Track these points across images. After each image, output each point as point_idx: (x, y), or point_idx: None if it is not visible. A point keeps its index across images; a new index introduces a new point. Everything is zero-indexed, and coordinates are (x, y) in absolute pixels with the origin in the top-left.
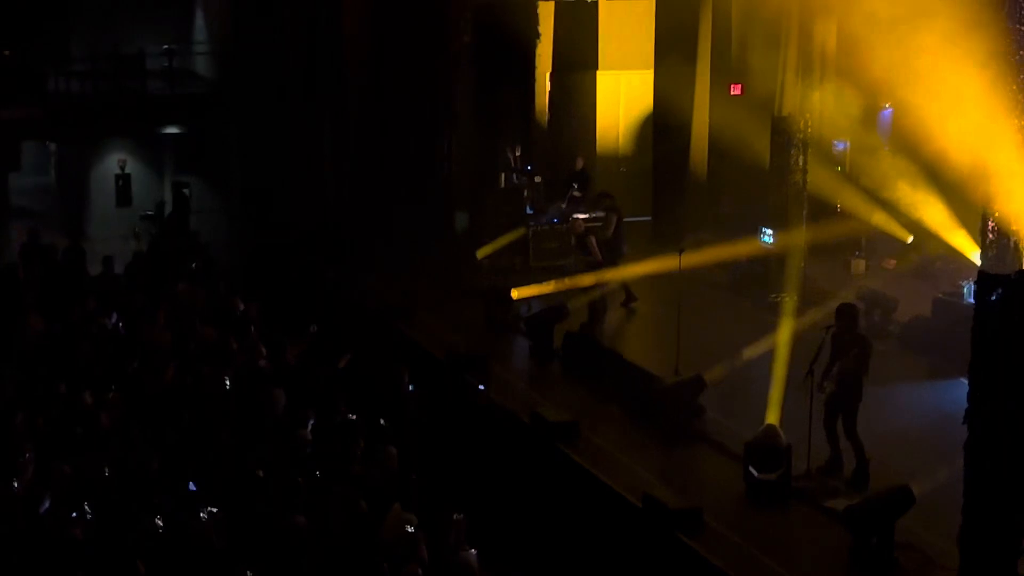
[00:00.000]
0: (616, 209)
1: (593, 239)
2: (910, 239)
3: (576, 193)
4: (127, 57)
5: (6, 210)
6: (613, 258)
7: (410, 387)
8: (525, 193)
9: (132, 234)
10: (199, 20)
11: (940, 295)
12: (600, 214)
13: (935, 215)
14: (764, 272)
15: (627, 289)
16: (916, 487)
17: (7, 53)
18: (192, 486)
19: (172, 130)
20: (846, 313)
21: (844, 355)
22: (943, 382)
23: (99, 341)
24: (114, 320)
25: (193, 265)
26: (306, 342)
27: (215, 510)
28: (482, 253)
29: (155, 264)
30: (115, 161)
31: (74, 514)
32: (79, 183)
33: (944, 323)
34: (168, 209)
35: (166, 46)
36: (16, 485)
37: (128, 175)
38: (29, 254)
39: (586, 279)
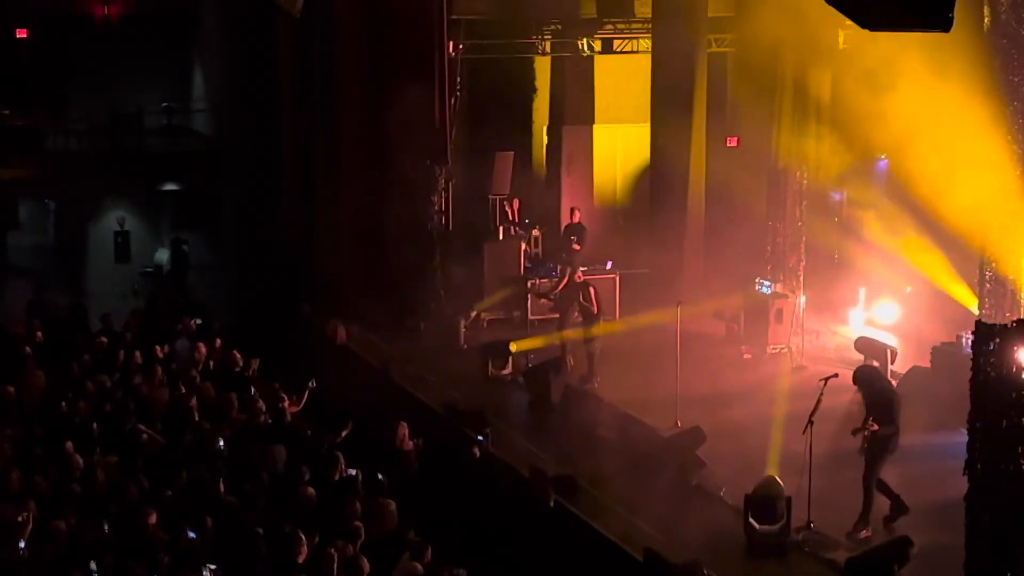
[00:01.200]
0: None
1: (592, 291)
2: (908, 288)
3: (575, 246)
4: (125, 115)
5: (5, 269)
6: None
7: (410, 442)
8: (523, 246)
9: (131, 291)
10: (197, 78)
11: (938, 345)
12: (601, 266)
13: (932, 265)
14: (763, 323)
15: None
16: (916, 539)
17: (6, 112)
18: (191, 533)
19: (170, 187)
20: (861, 377)
21: (878, 409)
22: (942, 432)
23: (96, 398)
24: (112, 378)
25: (192, 321)
26: (305, 397)
27: (215, 567)
28: (480, 307)
29: (153, 321)
30: (114, 218)
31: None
32: (78, 241)
33: (942, 373)
34: (166, 266)
35: (164, 104)
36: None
37: (127, 232)
38: (33, 311)
39: (584, 331)
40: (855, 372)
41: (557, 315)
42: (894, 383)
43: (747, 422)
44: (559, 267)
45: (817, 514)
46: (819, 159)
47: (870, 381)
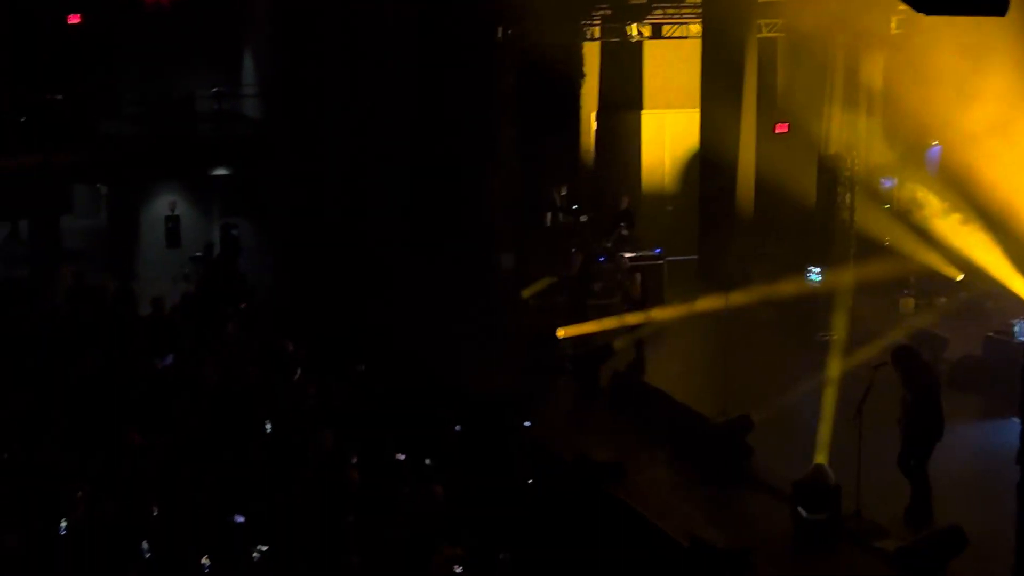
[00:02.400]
0: None
1: (638, 277)
2: (960, 277)
3: (624, 232)
4: (177, 100)
5: (58, 252)
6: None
7: (456, 427)
8: (571, 232)
9: (181, 275)
10: (247, 63)
11: (991, 334)
12: (648, 252)
13: (985, 253)
14: (811, 311)
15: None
16: (968, 529)
17: (59, 97)
18: (239, 518)
19: (221, 172)
20: (899, 366)
21: (917, 394)
22: (994, 422)
23: (148, 382)
24: (163, 361)
25: (241, 306)
26: (353, 382)
27: (265, 548)
28: (527, 293)
29: (204, 305)
30: (165, 203)
31: (128, 554)
32: (130, 225)
33: (995, 362)
34: (217, 250)
35: (215, 89)
36: (66, 525)
37: (177, 217)
38: (76, 296)
39: (632, 318)
40: (892, 352)
41: (605, 301)
42: (944, 371)
43: (796, 409)
44: (607, 254)
45: (866, 502)
46: (870, 145)
47: (908, 372)
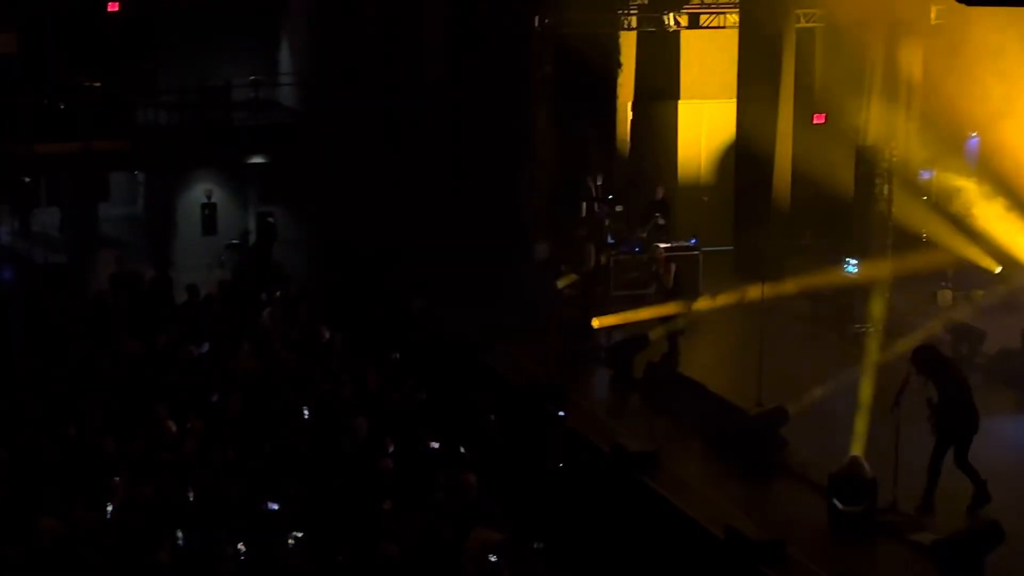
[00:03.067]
0: None
1: (673, 267)
2: (998, 269)
3: (661, 222)
4: (214, 88)
5: (95, 239)
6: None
7: (491, 416)
8: (606, 223)
9: (217, 263)
10: (284, 51)
11: None
12: (683, 243)
13: None
14: (848, 303)
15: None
16: (1006, 523)
17: (97, 85)
18: (273, 505)
19: (257, 160)
20: (919, 361)
21: (943, 389)
22: None
23: (185, 368)
24: (200, 348)
25: (277, 294)
26: (389, 370)
27: (300, 535)
28: (563, 283)
29: (239, 293)
30: (201, 191)
31: (162, 539)
32: (166, 212)
33: None
34: (252, 238)
35: (252, 77)
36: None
37: (214, 204)
38: (119, 282)
39: (667, 309)
40: (913, 354)
41: (640, 292)
42: (982, 364)
43: (831, 402)
44: (642, 244)
45: (903, 495)
46: (908, 136)
47: (930, 367)
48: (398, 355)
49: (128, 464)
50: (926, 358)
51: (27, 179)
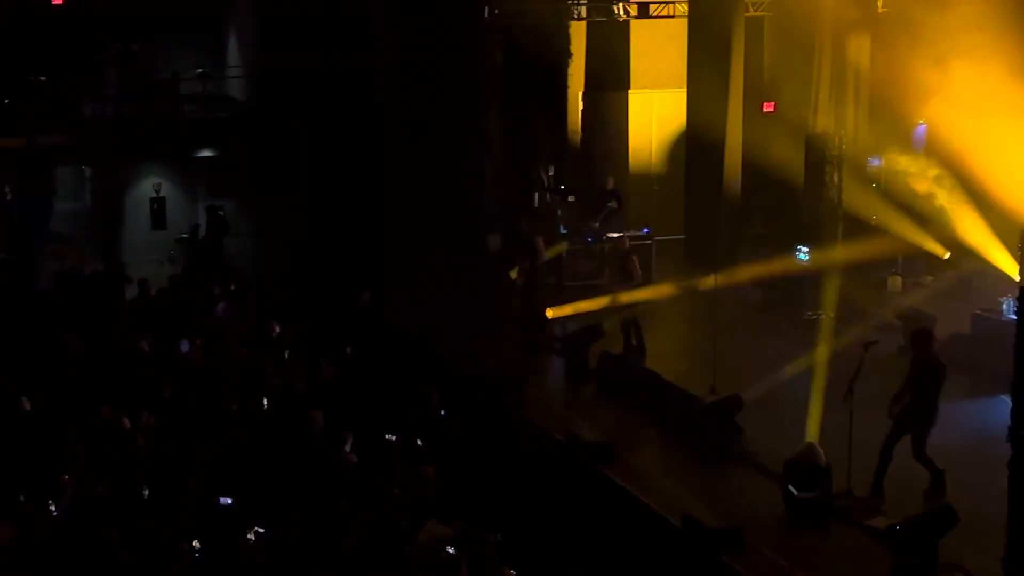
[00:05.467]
0: None
1: (635, 259)
2: (947, 255)
3: (612, 204)
4: (161, 82)
5: (42, 235)
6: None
7: (441, 411)
8: (558, 213)
9: (167, 257)
10: (232, 44)
11: (978, 312)
12: (641, 232)
13: (972, 231)
14: (800, 290)
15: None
16: (959, 506)
17: (42, 79)
18: (226, 500)
19: (206, 153)
20: (921, 338)
21: (921, 380)
22: (984, 400)
23: (135, 364)
24: (150, 343)
25: (228, 287)
26: (342, 363)
27: (262, 530)
28: (515, 274)
29: (190, 287)
30: (150, 185)
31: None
32: (114, 207)
33: (983, 340)
34: (202, 232)
35: (200, 70)
36: (55, 507)
37: (163, 199)
38: (62, 279)
39: (621, 298)
40: (915, 333)
41: (593, 282)
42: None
43: (786, 389)
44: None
45: (857, 481)
46: (857, 124)
47: (927, 346)
48: (350, 348)
49: (78, 462)
50: (924, 339)
51: None
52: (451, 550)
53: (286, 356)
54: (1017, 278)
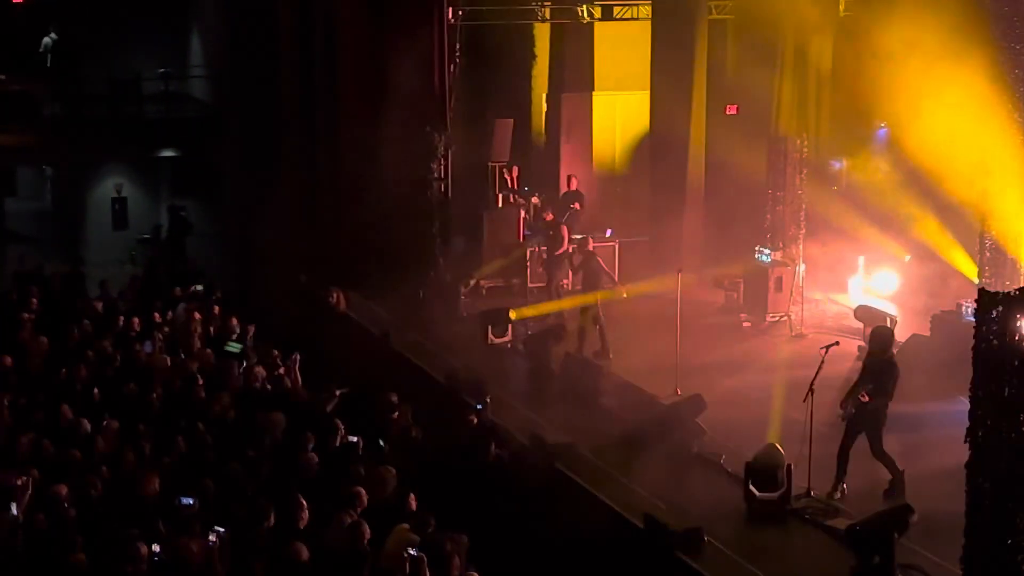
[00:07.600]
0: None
1: (600, 260)
2: (907, 257)
3: (576, 206)
4: (123, 81)
5: (2, 235)
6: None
7: (395, 414)
8: (522, 214)
9: (128, 257)
10: (195, 44)
11: (938, 313)
12: (600, 233)
13: (932, 233)
14: (762, 292)
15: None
16: (917, 506)
17: (2, 77)
18: (187, 500)
19: (168, 153)
20: (880, 338)
21: (874, 379)
22: (940, 401)
23: (95, 365)
24: (110, 344)
25: (190, 288)
26: (304, 364)
27: (223, 530)
28: (479, 274)
29: (152, 287)
30: (111, 185)
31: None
32: (75, 207)
33: (942, 341)
34: (164, 232)
35: (162, 70)
36: (15, 510)
37: (124, 199)
38: (21, 280)
39: (584, 299)
40: (874, 331)
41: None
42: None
43: (747, 390)
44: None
45: (817, 482)
46: (819, 127)
47: (884, 346)
48: (298, 355)
49: (37, 463)
50: (881, 339)
51: None
52: (414, 552)
53: (248, 357)
54: (975, 280)
